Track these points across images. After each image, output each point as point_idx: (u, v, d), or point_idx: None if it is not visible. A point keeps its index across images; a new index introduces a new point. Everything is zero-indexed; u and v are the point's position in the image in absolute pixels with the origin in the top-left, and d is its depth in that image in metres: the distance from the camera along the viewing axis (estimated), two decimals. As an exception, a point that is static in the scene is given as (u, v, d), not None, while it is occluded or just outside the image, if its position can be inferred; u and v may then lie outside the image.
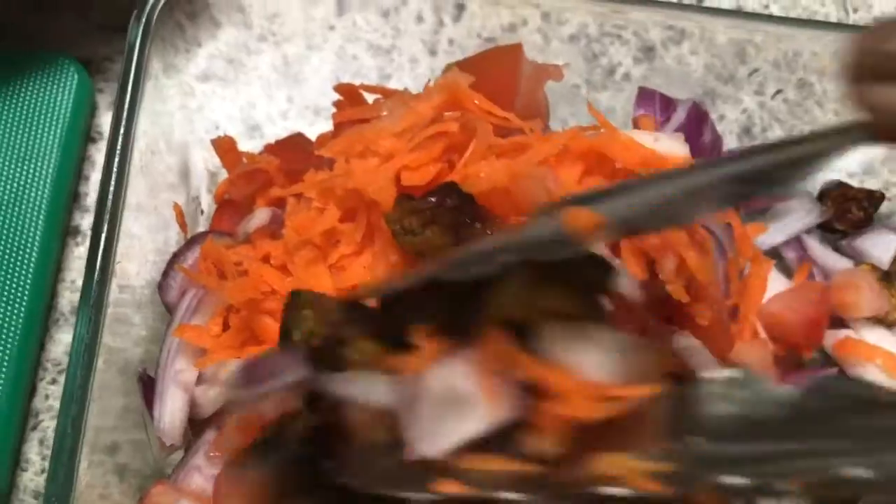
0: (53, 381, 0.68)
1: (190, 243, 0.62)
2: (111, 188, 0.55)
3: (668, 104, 0.72)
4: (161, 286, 0.61)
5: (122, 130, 0.56)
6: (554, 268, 0.43)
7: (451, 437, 0.40)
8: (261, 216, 0.62)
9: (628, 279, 0.51)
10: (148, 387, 0.58)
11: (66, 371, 0.52)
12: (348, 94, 0.66)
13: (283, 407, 0.47)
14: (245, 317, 0.55)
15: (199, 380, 0.57)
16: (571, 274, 0.44)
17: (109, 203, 0.54)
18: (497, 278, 0.43)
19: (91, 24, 0.79)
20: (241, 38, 0.70)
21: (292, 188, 0.60)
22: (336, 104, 0.67)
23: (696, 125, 0.72)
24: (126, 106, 0.57)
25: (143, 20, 0.59)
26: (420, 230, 0.52)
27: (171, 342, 0.57)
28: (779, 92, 0.73)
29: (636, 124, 0.71)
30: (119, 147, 0.56)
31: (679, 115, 0.71)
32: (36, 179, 0.69)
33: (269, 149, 0.66)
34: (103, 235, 0.54)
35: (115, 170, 0.55)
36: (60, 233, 0.71)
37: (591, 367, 0.41)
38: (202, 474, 0.56)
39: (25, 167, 0.69)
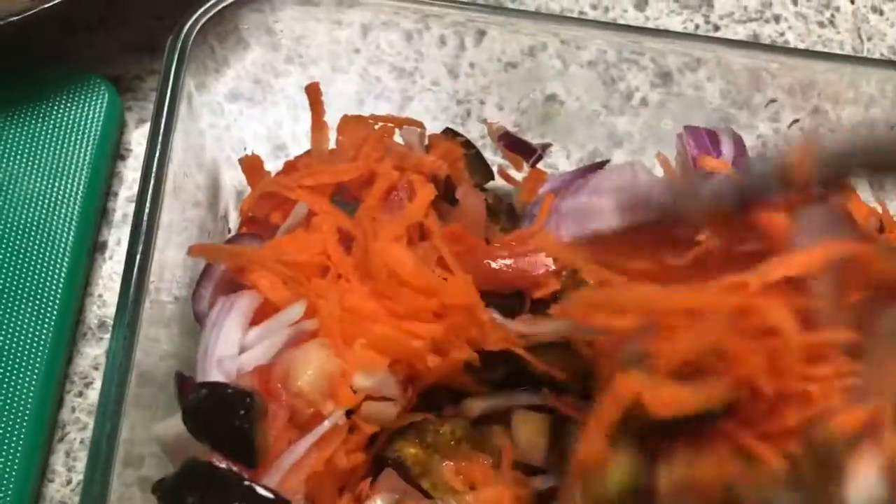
0: (80, 394, 0.69)
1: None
2: (146, 209, 0.56)
3: (713, 138, 0.71)
4: (194, 296, 0.61)
5: (157, 153, 0.57)
6: None
7: None
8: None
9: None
10: (183, 385, 0.60)
11: (101, 388, 0.53)
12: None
13: None
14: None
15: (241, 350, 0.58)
16: None
17: (145, 224, 0.56)
18: None
19: (120, 44, 0.81)
20: (269, 59, 0.71)
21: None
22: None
23: (741, 152, 0.71)
24: (161, 128, 0.58)
25: (178, 47, 0.61)
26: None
27: (209, 338, 0.58)
28: (796, 121, 0.75)
29: (697, 164, 0.69)
30: (154, 170, 0.57)
31: (728, 147, 0.70)
32: (66, 196, 0.71)
33: (289, 165, 0.68)
34: (138, 256, 0.55)
35: (150, 191, 0.56)
36: (89, 248, 0.72)
37: None
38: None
39: (56, 183, 0.71)
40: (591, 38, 0.72)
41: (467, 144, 0.72)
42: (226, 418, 0.51)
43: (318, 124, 0.67)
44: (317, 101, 0.67)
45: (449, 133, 0.73)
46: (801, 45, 0.85)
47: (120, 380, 0.52)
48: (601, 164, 0.75)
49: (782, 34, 0.86)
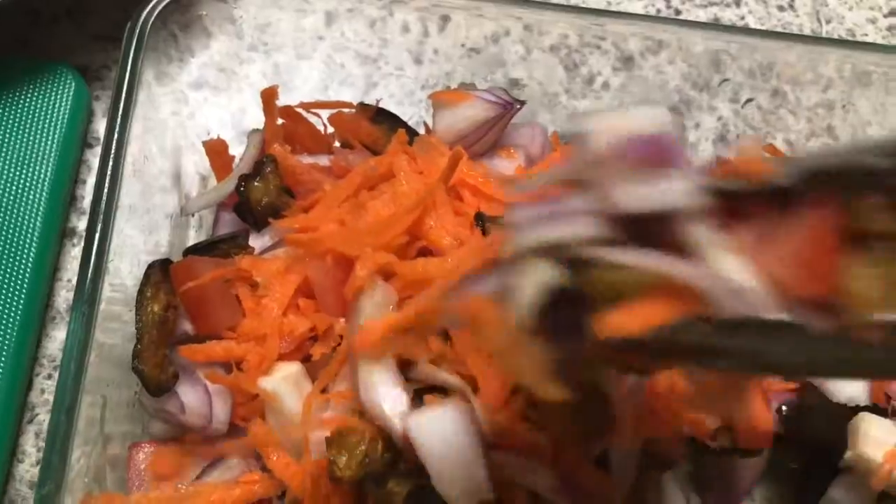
0: (49, 377, 0.70)
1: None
2: (105, 191, 0.57)
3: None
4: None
5: (115, 136, 0.59)
6: None
7: None
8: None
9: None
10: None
11: (61, 364, 0.54)
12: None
13: None
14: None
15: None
16: None
17: (103, 205, 0.57)
18: None
19: (88, 34, 0.82)
20: (233, 47, 0.72)
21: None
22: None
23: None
24: (119, 113, 0.59)
25: (137, 31, 0.62)
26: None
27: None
28: (749, 101, 0.76)
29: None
30: (113, 152, 0.58)
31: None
32: (34, 183, 0.72)
33: None
34: (97, 236, 0.56)
35: (108, 173, 0.58)
36: (57, 234, 0.73)
37: None
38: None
39: (24, 171, 0.72)
40: (554, 22, 0.73)
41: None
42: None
43: (270, 126, 0.70)
44: (270, 104, 0.69)
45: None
46: (761, 29, 0.86)
47: (78, 357, 0.54)
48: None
49: (742, 18, 0.87)
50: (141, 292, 0.59)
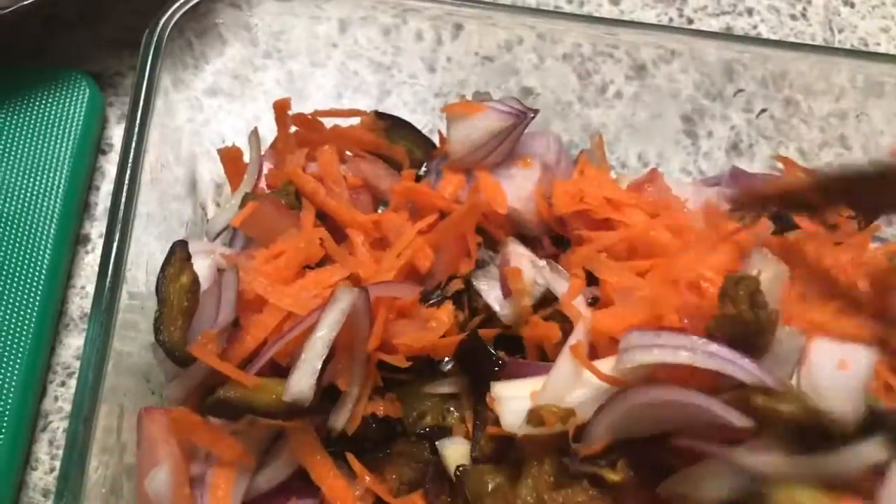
0: (63, 384, 0.70)
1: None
2: (122, 199, 0.57)
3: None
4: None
5: (133, 144, 0.59)
6: None
7: None
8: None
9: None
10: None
11: (79, 373, 0.54)
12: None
13: None
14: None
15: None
16: None
17: (121, 213, 0.57)
18: None
19: (102, 41, 0.82)
20: (248, 54, 0.72)
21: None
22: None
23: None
24: (137, 121, 0.59)
25: (155, 39, 0.62)
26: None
27: None
28: (763, 111, 0.76)
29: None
30: (131, 160, 0.58)
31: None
32: (48, 189, 0.72)
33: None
34: (115, 244, 0.56)
35: (126, 182, 0.58)
36: (71, 241, 0.73)
37: None
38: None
39: (38, 177, 0.72)
40: (567, 31, 0.73)
41: None
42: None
43: (282, 136, 0.70)
44: (282, 115, 0.69)
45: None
46: (774, 38, 0.86)
47: (97, 365, 0.53)
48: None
49: (755, 27, 0.87)
50: (163, 269, 0.58)
